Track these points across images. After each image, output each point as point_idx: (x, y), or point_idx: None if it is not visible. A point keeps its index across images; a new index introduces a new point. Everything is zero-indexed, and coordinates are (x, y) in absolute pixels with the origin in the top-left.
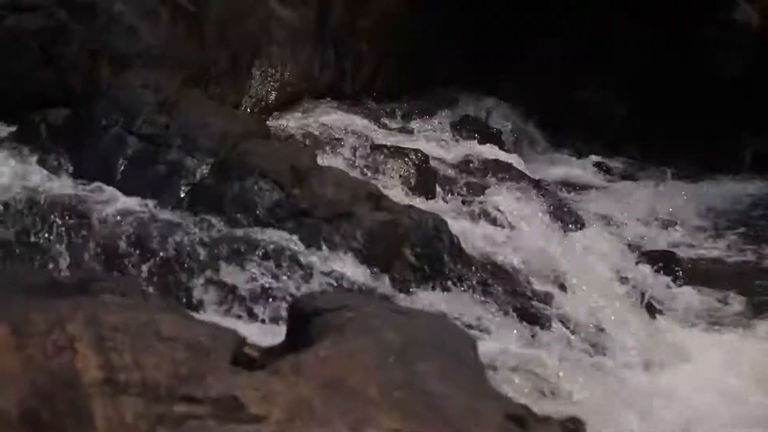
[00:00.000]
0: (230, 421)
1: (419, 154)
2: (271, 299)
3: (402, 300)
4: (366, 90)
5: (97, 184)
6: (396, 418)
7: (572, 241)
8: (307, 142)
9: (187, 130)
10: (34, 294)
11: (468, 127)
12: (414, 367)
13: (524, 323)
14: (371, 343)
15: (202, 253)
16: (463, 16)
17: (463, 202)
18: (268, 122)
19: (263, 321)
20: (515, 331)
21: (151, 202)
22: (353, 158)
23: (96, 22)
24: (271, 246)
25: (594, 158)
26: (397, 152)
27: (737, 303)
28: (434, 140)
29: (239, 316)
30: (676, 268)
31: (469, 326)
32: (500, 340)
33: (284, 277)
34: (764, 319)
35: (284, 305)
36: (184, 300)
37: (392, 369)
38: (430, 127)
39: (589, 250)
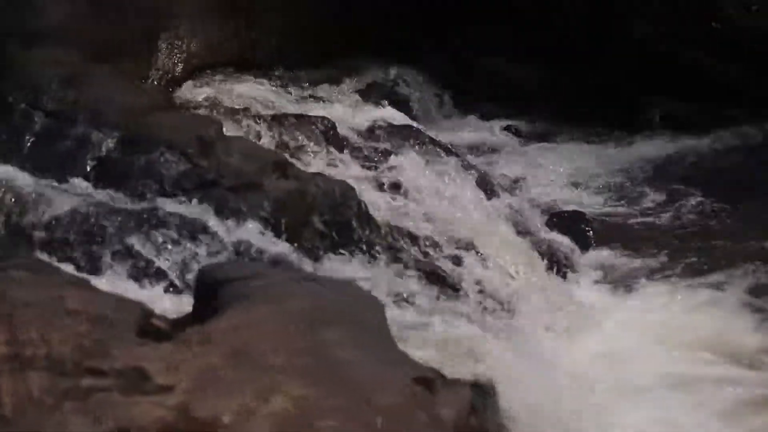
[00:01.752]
0: (136, 392)
1: (326, 122)
2: (179, 270)
3: (311, 267)
4: (274, 59)
5: (5, 162)
6: (302, 385)
7: (482, 204)
8: (214, 113)
9: (93, 105)
10: None
11: (375, 94)
12: (321, 334)
13: (434, 287)
14: (278, 311)
15: (110, 226)
16: None
17: (371, 169)
18: (175, 94)
19: (171, 292)
20: (425, 296)
21: (59, 177)
22: (260, 128)
23: (2, 0)
24: (179, 217)
25: (503, 122)
26: (305, 120)
27: (648, 263)
28: (342, 108)
29: (147, 288)
30: (587, 229)
31: (379, 291)
32: (410, 305)
33: (192, 248)
34: (674, 280)
35: (192, 276)
36: (92, 274)
37: (299, 336)
38: (337, 95)
39: (499, 212)
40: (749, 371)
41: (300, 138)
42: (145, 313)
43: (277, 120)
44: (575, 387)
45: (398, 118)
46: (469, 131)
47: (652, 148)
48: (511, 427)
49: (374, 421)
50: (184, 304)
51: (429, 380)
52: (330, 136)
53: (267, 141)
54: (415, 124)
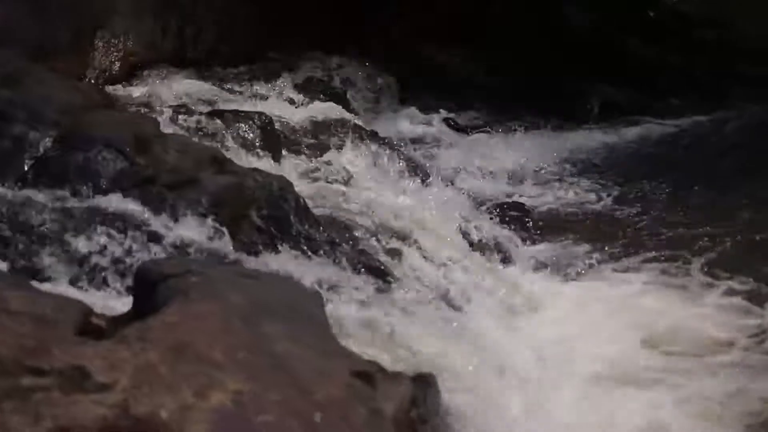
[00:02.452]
0: (76, 391)
1: (263, 117)
2: (118, 268)
3: (250, 263)
4: (210, 56)
5: None
6: (241, 380)
7: (421, 196)
8: (151, 110)
9: (31, 104)
10: None
11: (313, 88)
12: (260, 329)
13: (374, 280)
14: (216, 306)
15: (48, 225)
16: None
17: (309, 163)
18: (112, 92)
19: (111, 290)
20: (365, 289)
21: None
22: (197, 124)
23: None
24: (117, 215)
25: (443, 114)
26: (242, 116)
27: (588, 251)
28: (279, 102)
29: (87, 287)
30: (527, 219)
31: (319, 285)
32: (350, 298)
33: (131, 246)
34: (614, 266)
35: (131, 273)
36: (31, 273)
37: (238, 331)
38: (275, 90)
39: (439, 204)
40: (689, 356)
41: (237, 134)
42: (85, 312)
43: (214, 116)
44: (517, 376)
45: (336, 111)
46: (409, 124)
47: (591, 137)
48: (453, 419)
49: (313, 415)
50: (124, 302)
51: (369, 374)
52: (267, 131)
53: (204, 137)
54: (353, 118)
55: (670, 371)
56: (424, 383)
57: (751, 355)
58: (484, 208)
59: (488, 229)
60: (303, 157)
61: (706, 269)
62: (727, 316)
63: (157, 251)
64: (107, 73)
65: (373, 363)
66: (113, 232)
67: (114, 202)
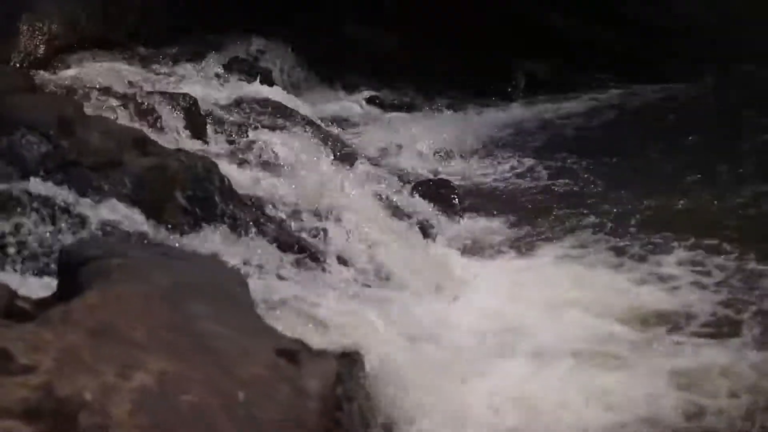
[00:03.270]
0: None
1: (188, 98)
2: (42, 251)
3: (175, 243)
4: (134, 38)
5: None
6: (164, 360)
7: (345, 175)
8: (75, 93)
9: None
10: None
11: (238, 69)
12: (183, 309)
13: (299, 259)
14: (139, 287)
15: None
16: None
17: (234, 143)
18: (37, 75)
19: (35, 273)
20: (290, 267)
21: None
22: (121, 106)
23: None
24: (41, 198)
25: (367, 93)
26: (166, 97)
27: (514, 227)
28: (204, 83)
29: (11, 270)
30: (452, 196)
31: (244, 265)
32: (276, 278)
33: (55, 228)
34: (540, 240)
35: (55, 256)
36: None
37: (160, 312)
38: (199, 71)
39: (363, 183)
40: (618, 326)
41: (162, 115)
42: (9, 295)
43: (139, 97)
44: (444, 352)
45: (261, 92)
46: (334, 103)
47: (515, 113)
48: (379, 396)
49: (236, 394)
50: (48, 284)
51: (293, 352)
52: (192, 112)
53: (128, 119)
54: (278, 98)
55: (600, 342)
56: (349, 361)
57: (681, 327)
58: (408, 185)
59: (413, 206)
60: (228, 137)
61: (630, 241)
62: (653, 287)
63: (81, 234)
64: (32, 57)
65: (298, 341)
66: (37, 215)
67: (38, 184)
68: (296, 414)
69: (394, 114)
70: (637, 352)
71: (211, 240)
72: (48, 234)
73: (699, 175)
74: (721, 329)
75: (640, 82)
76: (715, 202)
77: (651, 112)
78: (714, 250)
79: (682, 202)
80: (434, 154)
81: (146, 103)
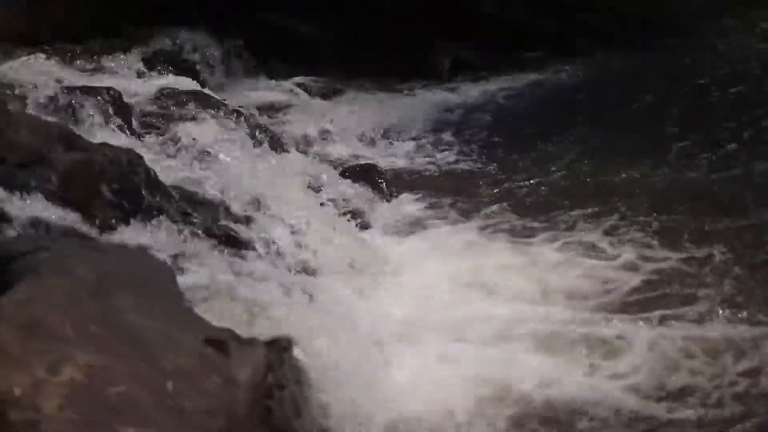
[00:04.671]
0: None
1: (112, 92)
2: None
3: (103, 237)
4: (58, 33)
5: None
6: (92, 353)
7: (272, 163)
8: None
9: None
10: None
11: (162, 61)
12: (110, 302)
13: (227, 249)
14: (66, 281)
15: None
16: None
17: (159, 135)
18: None
19: None
20: (219, 258)
21: None
22: (47, 102)
23: None
24: None
25: (293, 80)
26: (91, 91)
27: (443, 209)
28: (128, 77)
29: None
30: (380, 181)
31: (173, 256)
32: (204, 268)
33: None
34: (469, 223)
35: None
36: None
37: (88, 305)
38: (123, 65)
39: (291, 170)
40: (541, 307)
41: (87, 109)
42: None
43: (63, 92)
44: (375, 339)
45: (185, 83)
46: (259, 91)
47: (442, 96)
48: (310, 383)
49: (165, 385)
50: None
51: (222, 342)
52: (116, 105)
53: (53, 114)
54: (202, 89)
55: (528, 322)
56: (279, 349)
57: (602, 301)
58: (337, 171)
59: (342, 192)
60: (153, 129)
61: (559, 220)
62: (579, 265)
63: (9, 230)
64: None
65: (227, 331)
66: None
67: None
68: (226, 403)
69: (320, 100)
70: (560, 328)
71: (138, 232)
72: None
73: (625, 151)
74: (638, 302)
75: (566, 62)
76: (646, 176)
77: (577, 90)
78: (639, 222)
79: (610, 178)
80: (361, 139)
81: (71, 98)
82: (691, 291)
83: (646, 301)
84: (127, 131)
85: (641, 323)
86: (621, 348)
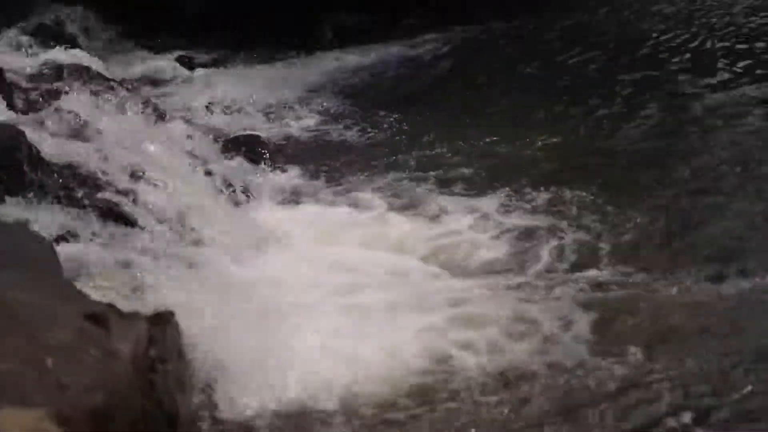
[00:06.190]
0: None
1: None
2: None
3: None
4: None
5: None
6: None
7: (154, 135)
8: None
9: None
10: None
11: (44, 36)
12: None
13: (111, 222)
14: None
15: None
16: None
17: (41, 110)
18: None
19: None
20: (103, 231)
21: None
22: None
23: None
24: None
25: (176, 53)
26: None
27: (328, 178)
28: (9, 52)
29: None
30: (263, 151)
31: (56, 231)
32: (87, 242)
33: None
34: (354, 192)
35: None
36: None
37: None
38: (4, 40)
39: (174, 142)
40: (419, 273)
41: None
42: None
43: None
44: (259, 307)
45: (69, 57)
46: (143, 64)
47: (325, 64)
48: (193, 356)
49: (44, 360)
50: None
51: (103, 316)
52: None
53: None
54: (86, 62)
55: (407, 287)
56: (161, 322)
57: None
58: (219, 142)
59: (224, 163)
60: (36, 104)
61: (444, 189)
62: (470, 234)
63: None
64: None
65: (108, 305)
66: None
67: None
68: (106, 378)
69: (204, 72)
70: (442, 294)
71: (20, 209)
72: None
73: (512, 118)
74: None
75: (450, 28)
76: (534, 143)
77: (462, 56)
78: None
79: (498, 147)
80: (244, 110)
81: None
82: None
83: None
84: (9, 107)
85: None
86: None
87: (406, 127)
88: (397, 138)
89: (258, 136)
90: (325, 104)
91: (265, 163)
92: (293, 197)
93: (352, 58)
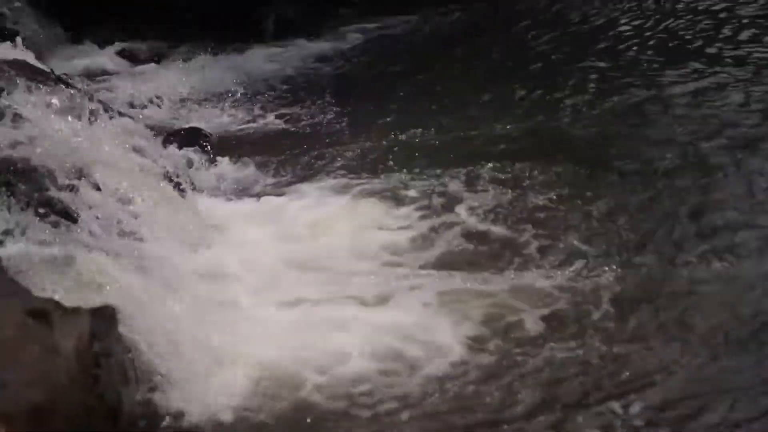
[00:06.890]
0: None
1: None
2: None
3: None
4: None
5: None
6: None
7: (96, 130)
8: None
9: None
10: None
11: None
12: None
13: (53, 218)
14: None
15: None
16: None
17: None
18: None
19: None
20: (45, 227)
21: None
22: None
23: None
24: None
25: (117, 46)
26: None
27: (268, 170)
28: None
29: None
30: (204, 144)
31: None
32: (28, 240)
33: None
34: (295, 182)
35: None
36: None
37: None
38: None
39: (115, 136)
40: (363, 261)
41: None
42: None
43: None
44: (203, 302)
45: (7, 53)
46: (82, 58)
47: (267, 56)
48: (136, 350)
49: None
50: None
51: (44, 312)
52: None
53: None
54: (24, 57)
55: (356, 276)
56: (105, 317)
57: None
58: (160, 136)
59: (166, 156)
60: None
61: (388, 176)
62: (401, 218)
63: None
64: None
65: (49, 300)
66: None
67: None
68: (47, 373)
69: (145, 66)
70: (398, 282)
71: None
72: None
73: (454, 105)
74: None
75: (389, 16)
76: (476, 131)
77: (403, 45)
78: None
79: (443, 135)
80: (186, 103)
81: None
82: None
83: None
84: None
85: None
86: None
87: (347, 118)
88: (338, 128)
89: (200, 129)
90: (266, 95)
91: (206, 155)
92: (236, 189)
93: (293, 50)
